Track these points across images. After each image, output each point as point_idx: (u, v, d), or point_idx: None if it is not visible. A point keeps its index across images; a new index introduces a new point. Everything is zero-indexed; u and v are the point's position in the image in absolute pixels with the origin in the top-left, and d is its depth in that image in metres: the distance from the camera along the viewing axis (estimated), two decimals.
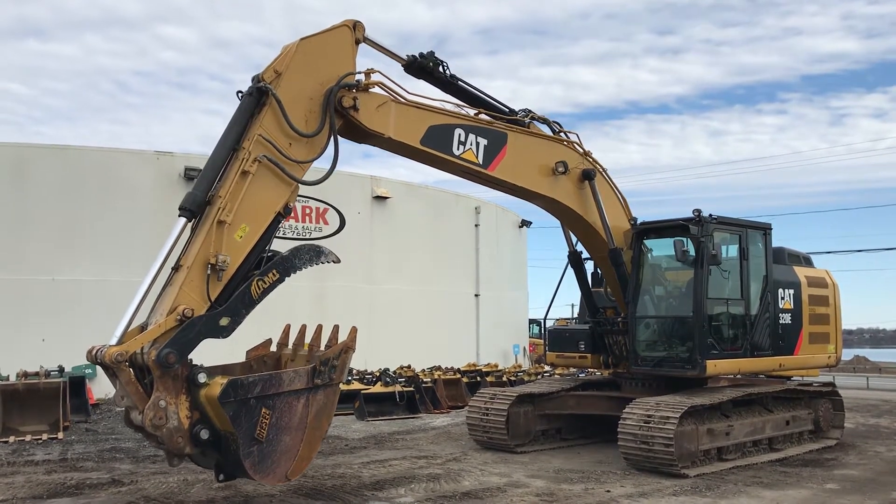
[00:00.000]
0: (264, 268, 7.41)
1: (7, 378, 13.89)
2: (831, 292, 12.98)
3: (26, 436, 12.26)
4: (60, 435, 12.33)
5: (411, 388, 15.78)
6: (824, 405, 12.06)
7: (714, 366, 10.41)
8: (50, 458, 10.50)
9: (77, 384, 14.47)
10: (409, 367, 18.50)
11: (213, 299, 7.05)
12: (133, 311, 6.88)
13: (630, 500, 8.01)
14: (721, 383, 11.85)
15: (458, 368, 19.37)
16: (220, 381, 6.71)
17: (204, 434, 6.73)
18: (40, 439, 12.09)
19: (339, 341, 7.67)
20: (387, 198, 21.96)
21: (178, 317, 6.75)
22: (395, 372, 17.53)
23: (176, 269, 7.22)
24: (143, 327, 6.93)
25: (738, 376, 12.86)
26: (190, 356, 6.83)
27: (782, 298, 11.85)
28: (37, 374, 13.46)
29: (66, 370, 14.75)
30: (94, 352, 6.81)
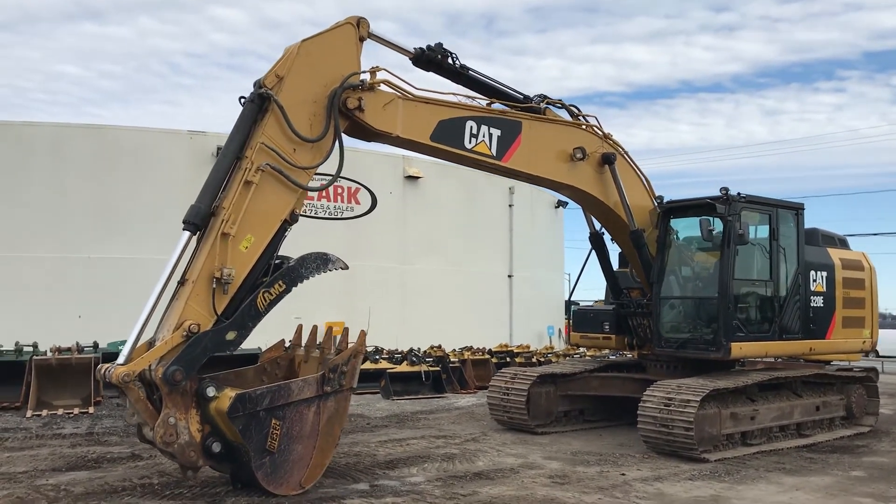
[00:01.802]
0: (270, 279, 7.35)
1: (45, 353, 14.23)
2: (867, 275, 12.57)
3: (58, 410, 12.55)
4: (91, 409, 12.59)
5: (437, 368, 15.75)
6: (857, 391, 11.71)
7: (739, 348, 10.16)
8: (77, 432, 10.73)
9: (111, 360, 14.62)
10: (439, 347, 18.49)
11: (219, 313, 7.04)
12: (140, 328, 6.90)
13: (644, 483, 7.87)
14: (758, 367, 11.60)
15: (489, 349, 19.31)
16: (230, 395, 6.73)
17: (216, 447, 6.78)
18: (72, 413, 12.36)
19: (348, 345, 7.65)
20: (419, 178, 21.90)
21: (185, 333, 6.76)
22: (424, 352, 17.55)
23: (182, 283, 7.19)
24: (150, 343, 6.95)
25: (778, 360, 12.66)
26: None
27: (814, 281, 11.51)
28: (69, 349, 13.73)
29: (100, 346, 15.05)
30: (102, 371, 6.89)
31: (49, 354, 13.65)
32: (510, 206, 24.79)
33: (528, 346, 20.87)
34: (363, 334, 7.93)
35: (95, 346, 15.06)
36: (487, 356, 17.96)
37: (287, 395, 7.08)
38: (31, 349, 13.85)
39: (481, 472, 8.33)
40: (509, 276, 24.78)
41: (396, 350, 17.75)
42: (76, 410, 12.54)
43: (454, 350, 18.47)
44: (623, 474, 8.29)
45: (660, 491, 7.55)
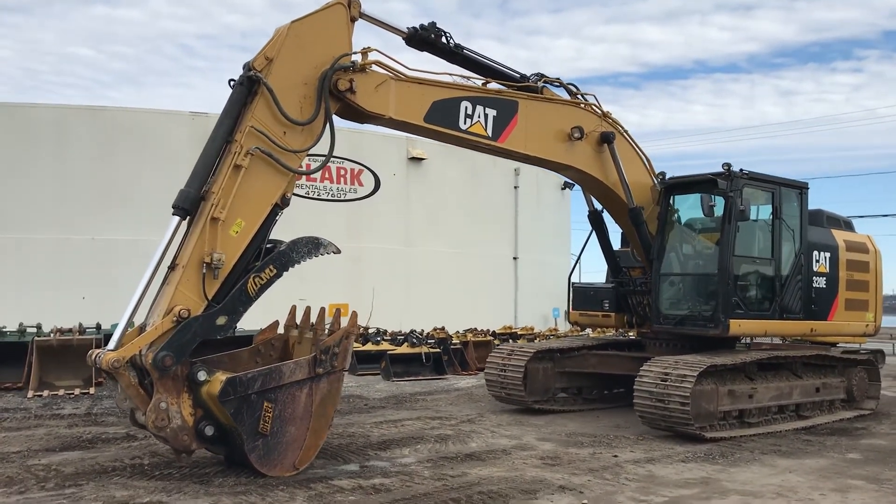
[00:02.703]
0: (261, 263, 7.32)
1: (48, 335, 14.29)
2: (872, 259, 12.44)
3: (59, 391, 12.62)
4: (92, 390, 12.65)
5: (438, 350, 15.74)
6: (858, 374, 11.59)
7: (738, 325, 10.08)
8: (76, 413, 10.78)
9: None
10: (442, 328, 18.47)
11: (210, 297, 7.02)
12: (130, 313, 6.89)
13: (635, 465, 7.82)
14: (763, 347, 11.51)
15: (494, 331, 19.27)
16: (220, 379, 6.74)
17: (209, 430, 6.82)
18: (73, 394, 12.43)
19: (341, 326, 7.63)
20: (423, 159, 21.80)
21: (175, 318, 6.74)
22: (427, 333, 17.52)
23: (172, 268, 7.16)
24: (142, 328, 6.94)
25: (786, 342, 12.56)
26: None
27: (817, 261, 11.39)
28: (70, 330, 13.78)
29: (102, 327, 15.10)
30: (93, 356, 6.88)
31: (51, 336, 13.71)
32: (515, 187, 24.69)
33: (531, 328, 20.85)
34: (354, 315, 7.90)
35: (98, 327, 15.09)
36: (490, 338, 17.92)
37: (279, 378, 7.07)
38: (34, 330, 13.92)
39: (473, 453, 8.31)
40: (514, 259, 24.72)
41: (399, 332, 17.76)
42: (77, 391, 12.61)
43: (457, 332, 18.46)
44: (615, 456, 8.25)
45: (650, 473, 7.50)
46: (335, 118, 8.19)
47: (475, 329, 19.01)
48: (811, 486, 7.11)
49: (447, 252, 22.48)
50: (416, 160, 21.73)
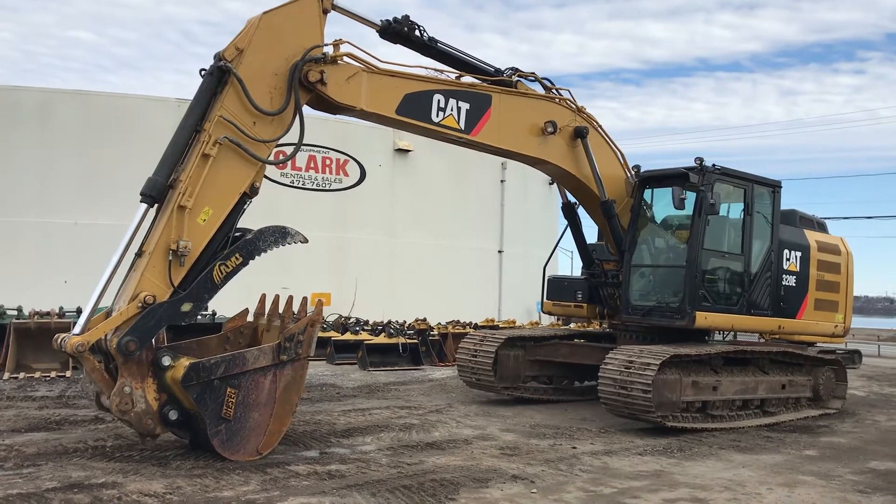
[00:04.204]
0: (227, 251, 7.43)
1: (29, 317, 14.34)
2: (844, 260, 12.56)
3: (36, 373, 12.70)
4: (69, 373, 12.73)
5: (416, 341, 15.84)
6: (825, 374, 11.71)
7: (704, 318, 10.19)
8: (49, 395, 10.86)
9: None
10: (423, 320, 18.56)
11: (176, 284, 7.12)
12: (96, 299, 6.99)
13: (592, 457, 7.93)
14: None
15: (476, 323, 19.37)
16: (184, 364, 6.86)
17: (173, 415, 6.96)
18: (49, 376, 12.51)
19: (307, 314, 7.74)
20: (409, 151, 21.86)
21: (140, 304, 6.86)
22: (409, 325, 17.62)
23: (139, 254, 7.26)
24: (108, 314, 7.05)
25: (763, 340, 12.66)
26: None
27: (788, 260, 11.52)
28: (49, 313, 13.85)
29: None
30: (58, 341, 6.98)
31: (29, 319, 13.77)
32: (502, 181, 24.77)
33: (513, 321, 20.95)
34: (320, 304, 8.03)
35: (79, 311, 15.13)
36: (470, 330, 17.99)
37: (242, 364, 7.19)
38: (14, 313, 13.98)
39: (435, 442, 8.41)
40: (500, 252, 24.80)
41: (381, 322, 17.84)
42: (53, 374, 12.69)
43: (439, 323, 18.55)
44: (574, 448, 8.36)
45: (605, 465, 7.62)
46: (308, 109, 8.28)
47: (458, 321, 19.11)
48: (760, 480, 7.23)
49: (432, 244, 22.57)
50: (403, 151, 21.79)
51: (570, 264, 36.70)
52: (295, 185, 19.68)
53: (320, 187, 20.10)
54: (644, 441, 8.89)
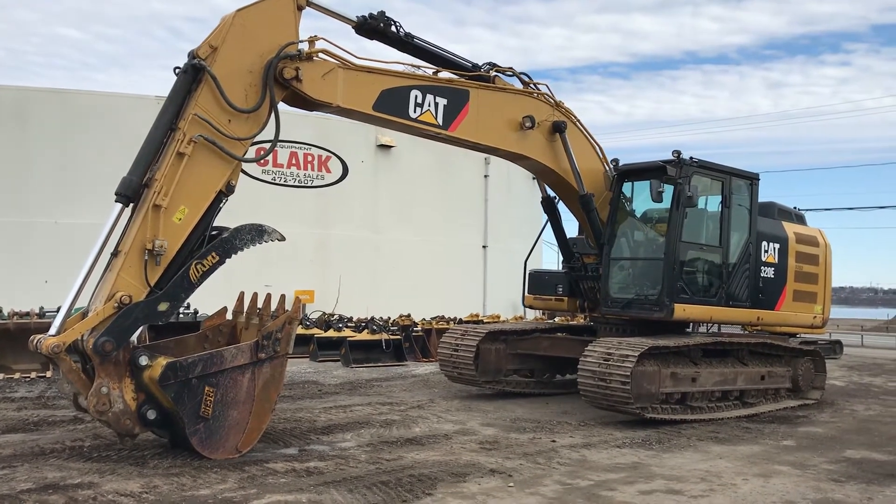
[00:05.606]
0: (204, 250, 7.41)
1: (8, 318, 14.24)
2: (822, 252, 12.66)
3: (16, 374, 12.61)
4: (49, 374, 12.64)
5: (399, 337, 15.85)
6: (804, 364, 11.81)
7: (683, 310, 10.26)
8: (29, 396, 10.80)
9: None
10: (408, 316, 18.57)
11: (152, 284, 7.10)
12: (72, 299, 6.98)
13: (571, 450, 7.97)
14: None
15: (460, 319, 19.39)
16: (161, 363, 6.84)
17: (151, 414, 6.94)
18: (29, 377, 12.42)
19: (285, 312, 7.72)
20: (391, 146, 21.83)
21: (116, 304, 6.83)
22: (393, 321, 17.62)
23: (115, 254, 7.23)
24: (84, 314, 7.01)
25: (746, 332, 12.74)
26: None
27: (766, 252, 11.60)
28: (28, 313, 13.76)
29: None
30: (34, 342, 6.93)
31: (8, 319, 13.67)
32: (486, 176, 24.79)
33: (498, 316, 20.98)
34: (298, 301, 8.03)
35: (59, 311, 15.08)
36: (452, 325, 18.01)
37: (220, 363, 7.18)
38: None
39: (414, 437, 8.43)
40: (484, 247, 24.83)
41: (365, 318, 17.83)
42: (33, 374, 12.60)
43: (423, 319, 18.56)
44: (553, 441, 8.40)
45: (583, 457, 7.66)
46: (283, 106, 8.26)
47: (443, 317, 19.12)
48: (736, 471, 7.29)
49: (415, 240, 22.57)
50: (385, 147, 21.77)
51: (556, 258, 36.81)
52: (277, 182, 19.61)
53: (302, 184, 20.05)
54: (623, 433, 8.94)
